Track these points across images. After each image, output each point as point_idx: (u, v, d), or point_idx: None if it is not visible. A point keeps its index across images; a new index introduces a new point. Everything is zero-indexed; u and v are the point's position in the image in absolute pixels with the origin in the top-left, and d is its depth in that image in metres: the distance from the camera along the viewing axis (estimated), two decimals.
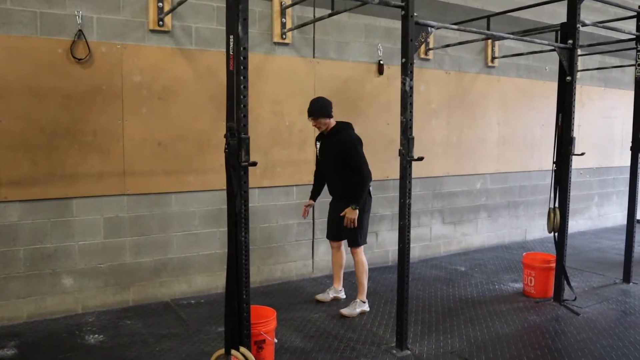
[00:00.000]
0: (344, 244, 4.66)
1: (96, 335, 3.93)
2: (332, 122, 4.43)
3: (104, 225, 4.42)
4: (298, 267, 5.43)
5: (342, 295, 4.78)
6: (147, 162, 4.53)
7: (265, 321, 3.30)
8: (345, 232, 4.45)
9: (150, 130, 4.52)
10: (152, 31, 4.48)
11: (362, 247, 4.49)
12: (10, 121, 3.99)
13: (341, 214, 4.35)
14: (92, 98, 4.26)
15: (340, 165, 4.39)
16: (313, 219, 5.45)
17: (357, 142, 4.38)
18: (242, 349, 2.99)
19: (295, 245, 5.39)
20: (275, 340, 3.42)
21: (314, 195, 4.78)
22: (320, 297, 4.78)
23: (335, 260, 4.78)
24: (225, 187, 3.01)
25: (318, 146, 4.58)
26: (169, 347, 3.74)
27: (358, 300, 4.49)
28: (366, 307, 4.50)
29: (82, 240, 4.35)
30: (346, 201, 4.36)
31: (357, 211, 4.30)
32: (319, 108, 4.36)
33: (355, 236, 4.44)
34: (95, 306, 4.45)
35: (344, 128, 4.45)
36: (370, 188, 4.47)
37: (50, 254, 4.24)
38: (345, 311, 4.40)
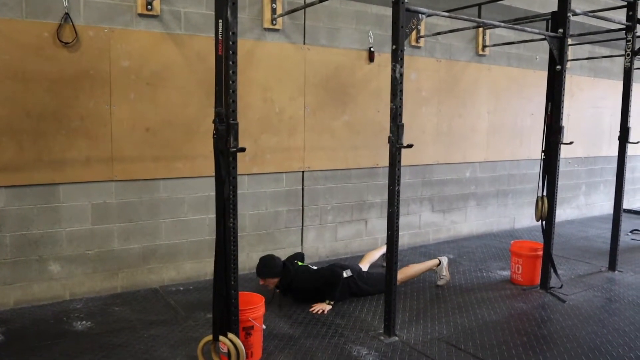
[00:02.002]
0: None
1: (84, 322, 3.92)
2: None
3: (91, 211, 4.39)
4: (287, 254, 5.41)
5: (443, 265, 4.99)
6: (135, 148, 4.49)
7: (253, 307, 3.30)
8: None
9: (139, 116, 4.47)
10: (141, 15, 4.42)
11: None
12: None
13: (313, 306, 4.29)
14: (79, 83, 4.21)
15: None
16: (302, 206, 5.45)
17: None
18: (230, 335, 3.00)
19: (284, 232, 5.39)
20: (264, 327, 3.43)
21: None
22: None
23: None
24: (213, 173, 3.01)
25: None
26: (158, 334, 3.74)
27: (436, 268, 4.88)
28: (444, 262, 4.90)
29: (69, 226, 4.32)
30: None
31: (331, 306, 4.28)
32: (265, 269, 4.31)
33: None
34: (83, 293, 4.43)
35: (291, 278, 4.36)
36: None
37: (36, 240, 4.20)
38: (440, 282, 4.84)
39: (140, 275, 4.67)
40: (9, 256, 4.12)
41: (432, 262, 4.90)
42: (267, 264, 4.32)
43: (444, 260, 4.90)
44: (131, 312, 4.13)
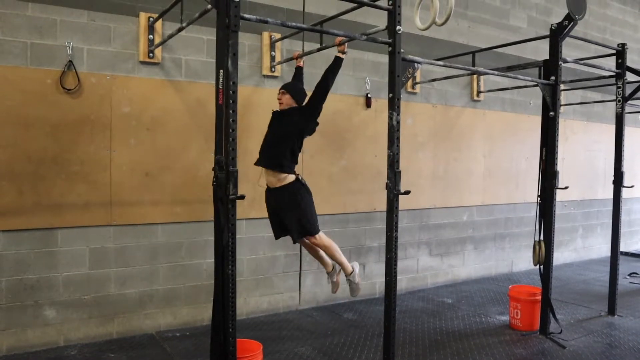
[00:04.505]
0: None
1: None
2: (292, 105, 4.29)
3: (89, 255, 4.38)
4: (285, 299, 5.39)
5: (338, 268, 4.50)
6: (134, 192, 4.51)
7: (251, 355, 3.27)
8: (294, 223, 4.14)
9: (138, 161, 4.52)
10: (142, 63, 4.53)
11: (319, 233, 4.22)
12: None
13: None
14: (80, 128, 4.27)
15: (291, 129, 4.21)
16: (300, 251, 5.44)
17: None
18: None
19: (282, 276, 5.36)
20: None
21: None
22: (334, 289, 4.54)
23: (309, 251, 4.51)
24: (212, 218, 3.02)
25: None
26: None
27: (349, 276, 4.38)
28: (357, 269, 4.43)
29: (66, 271, 4.29)
30: (281, 192, 4.15)
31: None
32: (295, 89, 4.32)
33: (304, 224, 4.13)
34: (78, 339, 4.37)
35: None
36: (305, 182, 4.26)
37: (33, 285, 4.17)
38: (354, 294, 4.44)
39: (136, 321, 4.61)
40: (4, 301, 4.08)
41: (347, 267, 4.39)
42: (301, 89, 4.38)
43: (356, 267, 4.46)
44: (126, 359, 4.07)
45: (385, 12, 3.65)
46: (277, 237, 4.41)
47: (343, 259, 4.36)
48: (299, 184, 4.19)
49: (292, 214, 4.14)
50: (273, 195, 4.26)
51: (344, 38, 4.01)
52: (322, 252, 4.39)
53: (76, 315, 4.36)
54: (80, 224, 4.32)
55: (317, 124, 4.33)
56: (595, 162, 8.43)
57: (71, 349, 4.25)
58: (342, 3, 3.88)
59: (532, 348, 4.47)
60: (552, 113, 4.67)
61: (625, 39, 8.49)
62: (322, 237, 4.25)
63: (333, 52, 5.48)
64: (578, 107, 8.03)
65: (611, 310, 5.41)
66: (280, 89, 4.34)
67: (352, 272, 4.39)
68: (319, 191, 5.47)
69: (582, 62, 5.27)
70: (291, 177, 4.17)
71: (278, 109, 4.35)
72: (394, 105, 3.57)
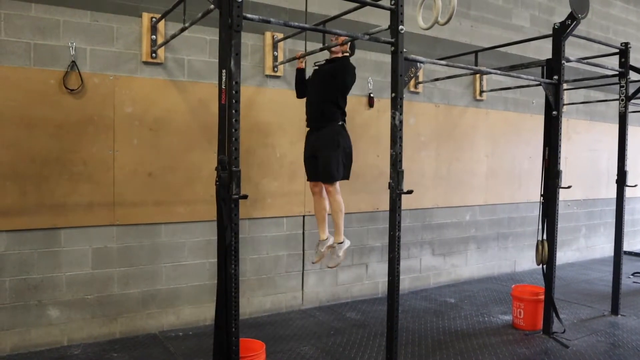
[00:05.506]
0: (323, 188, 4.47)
1: None
2: (340, 55, 4.43)
3: (92, 255, 4.39)
4: (287, 299, 5.40)
5: (331, 241, 4.58)
6: (137, 192, 4.52)
7: (254, 355, 3.27)
8: (321, 166, 4.31)
9: (141, 161, 4.53)
10: (145, 63, 4.53)
11: (337, 184, 4.34)
12: (0, 151, 3.99)
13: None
14: (83, 128, 4.28)
15: (329, 85, 4.38)
16: (303, 251, 5.44)
17: (352, 71, 4.44)
18: None
19: (285, 276, 5.36)
20: None
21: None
22: (316, 259, 4.64)
23: (317, 206, 4.61)
24: (215, 218, 3.03)
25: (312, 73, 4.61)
26: None
27: (336, 245, 4.45)
28: (347, 244, 4.49)
29: (69, 271, 4.31)
30: (323, 130, 4.36)
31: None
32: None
33: (329, 169, 4.26)
34: (82, 338, 4.38)
35: (347, 60, 4.43)
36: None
37: (36, 284, 4.19)
38: (331, 264, 4.48)
39: (139, 321, 4.62)
40: (8, 301, 4.09)
41: (340, 235, 4.46)
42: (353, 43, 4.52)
43: (347, 242, 4.52)
44: (129, 359, 4.08)
45: (388, 12, 3.65)
46: (309, 179, 4.57)
47: (342, 226, 4.43)
48: (340, 127, 4.38)
49: (328, 154, 4.28)
50: (314, 135, 4.46)
51: (347, 38, 4.03)
52: (327, 210, 4.47)
53: (79, 315, 4.37)
54: (83, 224, 4.33)
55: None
56: (598, 161, 8.41)
57: (75, 348, 4.26)
58: (345, 3, 3.88)
59: (535, 348, 4.47)
60: (555, 112, 4.66)
61: (628, 37, 8.47)
62: (337, 190, 4.35)
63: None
64: (581, 106, 8.01)
65: (614, 310, 5.40)
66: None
67: (341, 242, 4.47)
68: None
69: (585, 61, 5.26)
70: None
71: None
72: (396, 104, 3.57)
